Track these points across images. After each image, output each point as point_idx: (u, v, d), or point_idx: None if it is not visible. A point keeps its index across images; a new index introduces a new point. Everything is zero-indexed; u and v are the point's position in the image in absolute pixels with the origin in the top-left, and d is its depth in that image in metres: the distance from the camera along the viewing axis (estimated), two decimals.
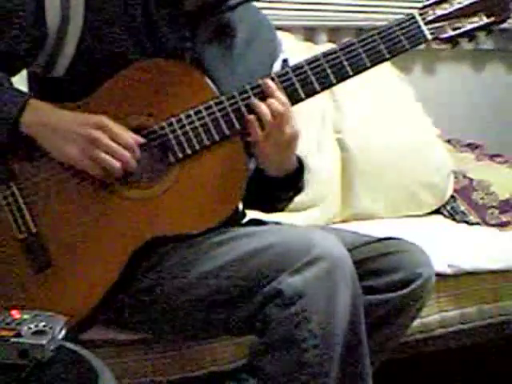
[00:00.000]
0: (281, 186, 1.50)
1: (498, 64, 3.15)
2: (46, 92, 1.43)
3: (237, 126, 1.39)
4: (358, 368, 1.35)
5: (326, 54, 1.41)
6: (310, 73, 1.40)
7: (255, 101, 1.38)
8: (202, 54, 1.46)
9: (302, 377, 1.29)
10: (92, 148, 1.32)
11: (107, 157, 1.32)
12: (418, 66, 2.94)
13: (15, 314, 1.10)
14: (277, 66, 1.56)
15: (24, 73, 1.49)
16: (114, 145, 1.32)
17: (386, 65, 1.94)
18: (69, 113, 1.35)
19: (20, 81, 1.49)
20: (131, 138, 1.34)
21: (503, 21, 1.45)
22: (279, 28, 1.87)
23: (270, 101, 1.38)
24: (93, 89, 1.38)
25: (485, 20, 1.44)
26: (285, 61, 1.58)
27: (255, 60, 1.53)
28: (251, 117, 1.37)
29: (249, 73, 1.49)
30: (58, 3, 1.37)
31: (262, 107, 1.37)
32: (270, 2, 2.53)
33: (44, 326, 1.07)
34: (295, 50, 2.06)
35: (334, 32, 2.70)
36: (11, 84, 1.40)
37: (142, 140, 1.36)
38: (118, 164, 1.32)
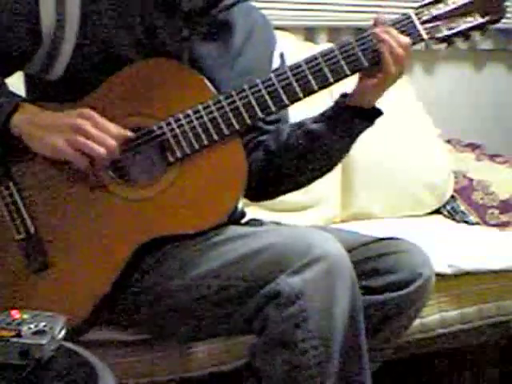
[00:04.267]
0: (365, 116, 1.49)
1: (498, 64, 3.15)
2: (44, 94, 1.43)
3: (236, 125, 1.39)
4: (357, 368, 1.35)
5: (323, 54, 1.42)
6: (307, 72, 1.41)
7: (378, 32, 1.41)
8: (199, 53, 1.46)
9: (301, 377, 1.29)
10: (76, 135, 1.31)
11: (91, 144, 1.31)
12: (418, 66, 2.94)
13: (15, 314, 1.10)
14: (276, 60, 1.57)
15: (21, 73, 1.49)
16: (98, 132, 1.32)
17: None
18: (55, 112, 1.35)
19: (18, 82, 1.49)
20: (115, 127, 1.34)
21: (497, 20, 1.46)
22: (279, 28, 1.88)
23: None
24: (91, 90, 1.39)
25: (479, 20, 1.45)
26: (281, 55, 1.59)
27: (253, 57, 1.53)
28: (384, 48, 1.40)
29: (247, 70, 1.50)
30: (52, 6, 1.37)
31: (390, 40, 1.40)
32: (270, 2, 2.53)
33: (44, 326, 1.07)
34: (295, 50, 2.05)
35: (334, 32, 2.70)
36: (5, 86, 1.40)
37: (130, 134, 1.36)
38: (102, 150, 1.31)
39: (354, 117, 1.48)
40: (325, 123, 1.51)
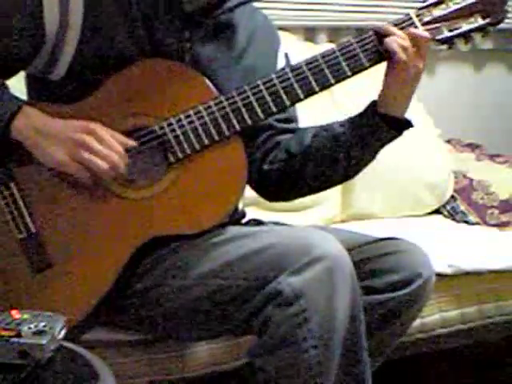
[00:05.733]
0: (393, 125, 1.48)
1: (498, 64, 3.15)
2: (46, 94, 1.43)
3: (236, 125, 1.39)
4: (357, 368, 1.35)
5: (324, 55, 1.42)
6: (308, 73, 1.41)
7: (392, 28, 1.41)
8: (201, 55, 1.46)
9: (302, 377, 1.29)
10: (80, 151, 1.32)
11: (95, 159, 1.31)
12: None
13: (15, 314, 1.10)
14: (281, 60, 1.56)
15: (22, 74, 1.49)
16: (101, 147, 1.32)
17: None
18: (59, 119, 1.35)
19: (19, 82, 1.49)
20: (119, 141, 1.34)
21: (499, 22, 1.46)
22: (279, 28, 1.87)
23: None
24: (92, 90, 1.39)
25: (480, 21, 1.45)
26: (286, 55, 1.58)
27: (256, 58, 1.53)
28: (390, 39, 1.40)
29: (251, 71, 1.49)
30: (56, 7, 1.37)
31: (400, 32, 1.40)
32: (270, 2, 2.53)
33: (44, 326, 1.07)
34: (295, 50, 2.05)
35: (334, 32, 2.70)
36: (7, 89, 1.40)
37: (132, 143, 1.36)
38: (105, 165, 1.32)
39: (382, 124, 1.47)
40: (352, 128, 1.50)
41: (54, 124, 1.35)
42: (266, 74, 1.42)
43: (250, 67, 1.51)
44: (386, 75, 1.46)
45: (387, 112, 1.47)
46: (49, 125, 1.34)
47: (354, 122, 1.51)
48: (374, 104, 1.49)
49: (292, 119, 1.60)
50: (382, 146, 1.52)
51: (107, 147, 1.32)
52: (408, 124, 1.50)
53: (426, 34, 1.42)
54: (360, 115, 1.51)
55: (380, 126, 1.47)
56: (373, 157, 1.54)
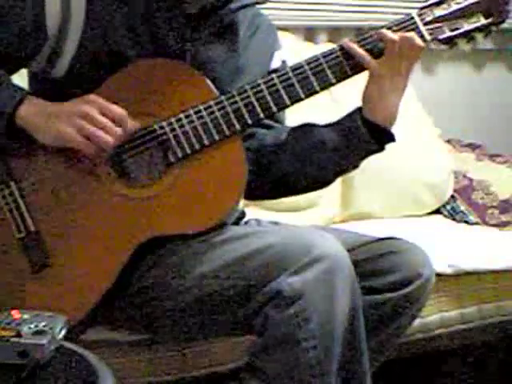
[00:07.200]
0: (376, 134, 1.46)
1: (498, 64, 3.15)
2: (47, 92, 1.43)
3: (237, 125, 1.39)
4: (357, 368, 1.35)
5: (325, 54, 1.42)
6: (309, 72, 1.41)
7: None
8: (202, 55, 1.46)
9: (302, 377, 1.29)
10: (84, 123, 1.31)
11: (100, 132, 1.31)
12: (418, 65, 2.94)
13: (15, 314, 1.10)
14: (276, 62, 1.56)
15: (24, 72, 1.49)
16: (104, 119, 1.32)
17: None
18: (61, 103, 1.35)
19: (20, 80, 1.49)
20: (120, 111, 1.34)
21: (501, 22, 1.46)
22: (279, 28, 1.88)
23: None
24: (93, 88, 1.39)
25: (483, 21, 1.45)
26: (283, 62, 1.58)
27: (251, 57, 1.53)
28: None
29: (242, 69, 1.50)
30: (58, 4, 1.37)
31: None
32: (270, 1, 2.53)
33: (44, 326, 1.07)
34: (295, 50, 2.05)
35: (334, 32, 2.70)
36: (10, 80, 1.40)
37: (137, 125, 1.36)
38: (110, 139, 1.31)
39: (360, 126, 1.45)
40: (332, 129, 1.49)
41: (56, 104, 1.34)
42: (256, 73, 1.43)
43: (243, 64, 1.51)
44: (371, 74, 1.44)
45: (371, 114, 1.45)
46: (51, 106, 1.34)
47: (335, 124, 1.50)
48: (358, 109, 1.48)
49: (277, 119, 1.59)
50: (361, 153, 1.49)
51: (109, 117, 1.32)
52: (390, 137, 1.48)
53: (421, 44, 1.41)
54: (342, 118, 1.50)
55: (359, 129, 1.45)
56: (349, 164, 1.52)
